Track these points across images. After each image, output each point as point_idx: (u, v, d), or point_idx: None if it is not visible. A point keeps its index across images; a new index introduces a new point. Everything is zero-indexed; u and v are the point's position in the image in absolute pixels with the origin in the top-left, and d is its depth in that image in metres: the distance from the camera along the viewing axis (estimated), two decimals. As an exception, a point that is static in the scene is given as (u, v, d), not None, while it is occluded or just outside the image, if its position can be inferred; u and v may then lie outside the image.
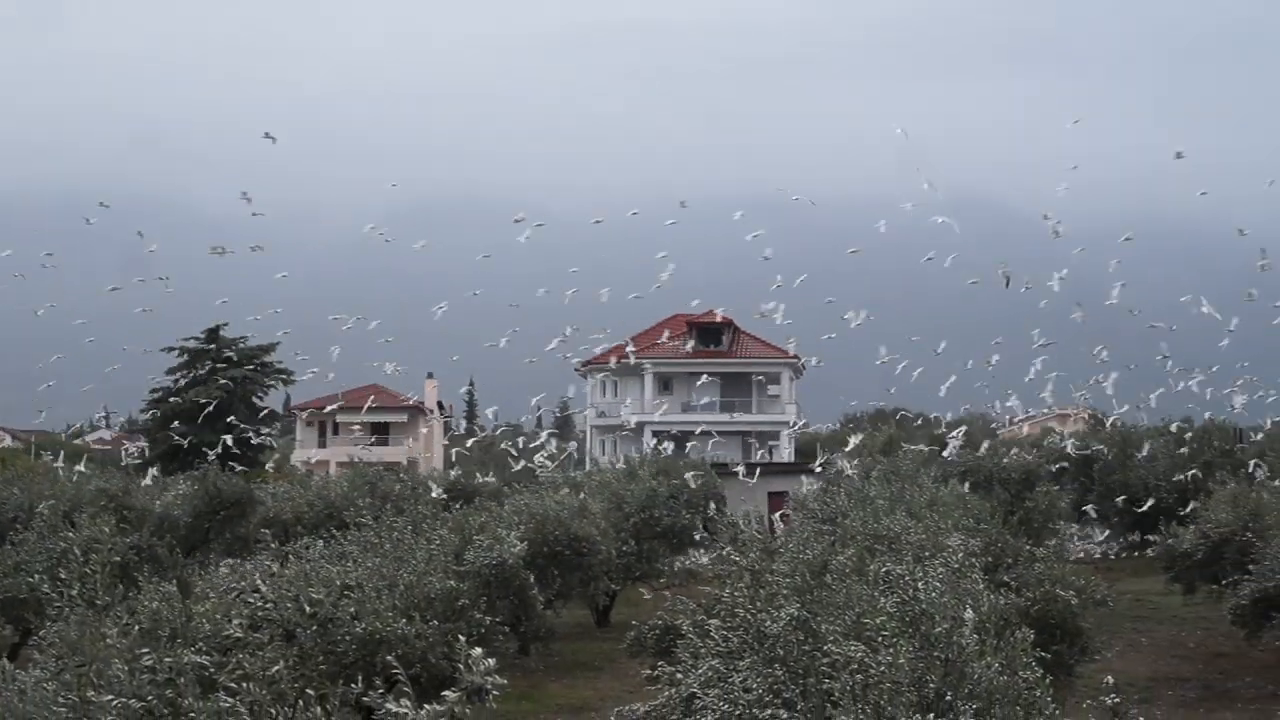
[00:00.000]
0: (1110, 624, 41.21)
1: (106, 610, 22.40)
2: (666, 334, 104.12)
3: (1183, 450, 64.76)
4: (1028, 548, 35.75)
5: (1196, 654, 44.34)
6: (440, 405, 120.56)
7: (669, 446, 76.22)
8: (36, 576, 33.33)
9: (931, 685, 16.24)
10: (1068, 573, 33.75)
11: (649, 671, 22.02)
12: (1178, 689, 38.96)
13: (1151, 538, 59.64)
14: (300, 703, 16.43)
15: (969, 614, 18.09)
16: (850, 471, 57.37)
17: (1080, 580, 33.18)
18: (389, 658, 22.80)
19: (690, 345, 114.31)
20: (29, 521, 44.95)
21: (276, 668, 20.98)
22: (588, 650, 46.07)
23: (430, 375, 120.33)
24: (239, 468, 63.67)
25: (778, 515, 59.94)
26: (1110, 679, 24.58)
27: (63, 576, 30.79)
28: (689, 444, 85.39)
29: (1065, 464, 70.14)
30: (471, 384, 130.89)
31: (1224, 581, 40.58)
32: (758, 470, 72.43)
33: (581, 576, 45.42)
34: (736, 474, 74.24)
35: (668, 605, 30.70)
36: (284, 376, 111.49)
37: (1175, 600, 49.70)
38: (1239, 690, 38.73)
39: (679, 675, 19.07)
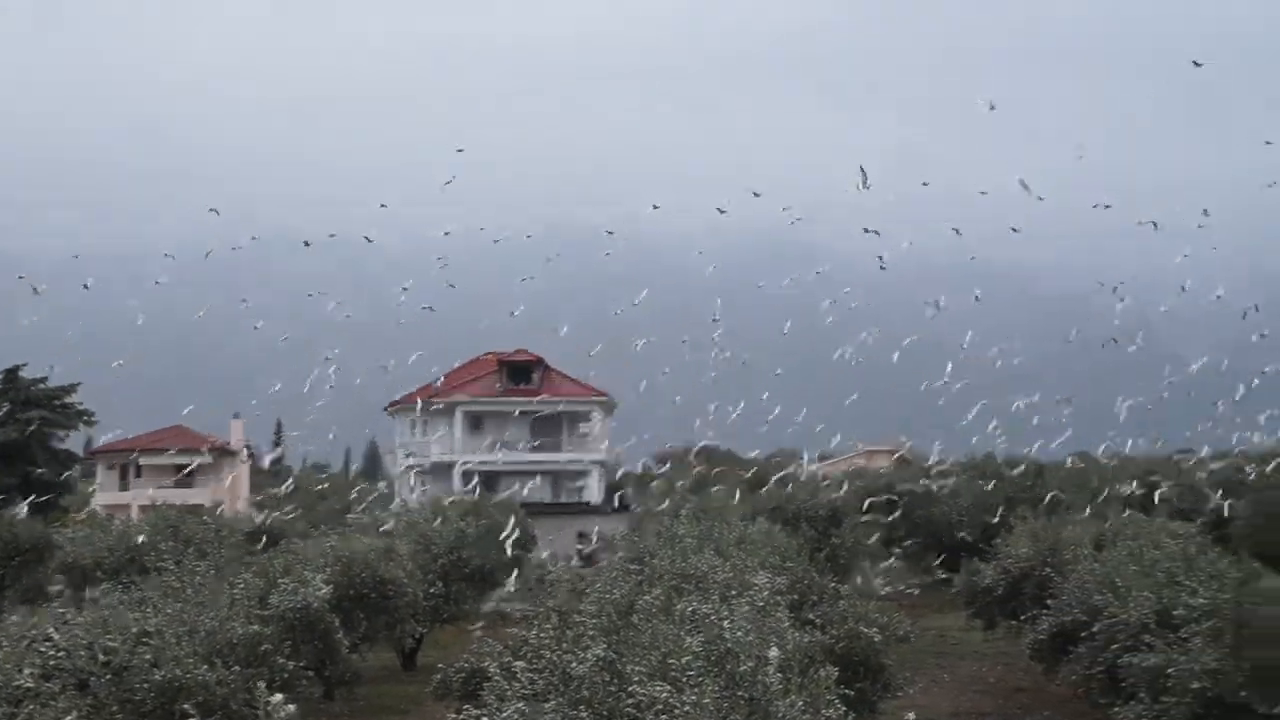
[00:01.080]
0: (913, 660, 41.59)
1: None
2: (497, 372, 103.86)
3: (982, 480, 65.67)
4: (833, 585, 36.00)
5: (997, 689, 44.90)
6: (247, 447, 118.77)
7: (478, 486, 75.84)
8: None
9: (736, 725, 16.22)
10: (872, 610, 34.02)
11: (454, 715, 21.74)
12: (979, 723, 39.44)
13: (951, 576, 60.32)
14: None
15: (774, 652, 18.12)
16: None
17: (884, 617, 33.48)
18: (187, 706, 22.38)
19: (500, 385, 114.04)
20: None
21: (70, 718, 20.46)
22: (393, 694, 45.56)
23: (237, 415, 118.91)
24: (34, 513, 62.25)
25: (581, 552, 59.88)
26: (912, 715, 24.83)
27: None
28: (499, 483, 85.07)
29: (874, 500, 70.87)
30: (279, 425, 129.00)
31: (1023, 617, 41.11)
32: (567, 509, 72.43)
33: (388, 619, 44.93)
34: (547, 513, 74.24)
35: (474, 647, 30.47)
36: (85, 418, 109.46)
37: (976, 636, 50.36)
38: (1038, 724, 39.24)
39: (484, 719, 18.86)
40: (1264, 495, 59.86)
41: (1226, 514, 59.63)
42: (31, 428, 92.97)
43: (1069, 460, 78.60)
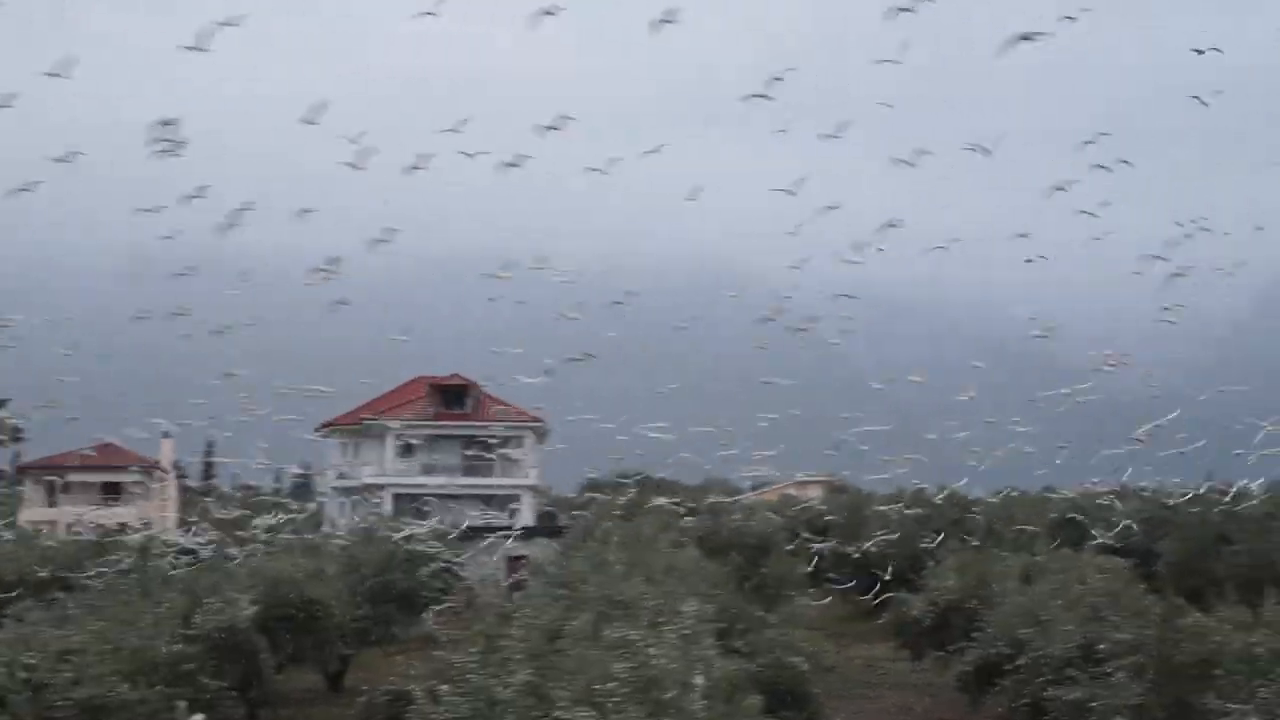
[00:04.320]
0: (840, 689, 41.67)
1: None
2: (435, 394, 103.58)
3: (912, 511, 65.89)
4: (760, 614, 36.01)
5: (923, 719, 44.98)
6: (176, 465, 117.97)
7: (410, 509, 75.59)
8: None
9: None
10: (799, 638, 34.04)
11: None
12: (904, 755, 39.50)
13: (880, 606, 60.42)
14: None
15: (699, 680, 18.11)
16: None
17: (811, 646, 33.50)
18: (108, 724, 22.19)
19: (433, 408, 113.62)
20: None
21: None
22: (318, 716, 45.32)
23: (166, 434, 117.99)
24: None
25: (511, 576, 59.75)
26: (838, 745, 24.82)
27: None
28: (429, 507, 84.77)
29: (805, 530, 71.04)
30: (210, 445, 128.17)
31: (950, 648, 41.18)
32: (498, 534, 72.23)
33: (314, 640, 44.61)
34: (477, 537, 73.94)
35: (401, 670, 30.33)
36: (14, 433, 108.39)
37: (904, 666, 50.41)
38: (963, 756, 39.34)
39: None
40: (1188, 533, 60.35)
41: (1153, 550, 60.11)
42: None
43: (999, 494, 79.02)
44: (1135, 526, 63.24)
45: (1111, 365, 56.40)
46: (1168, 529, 61.69)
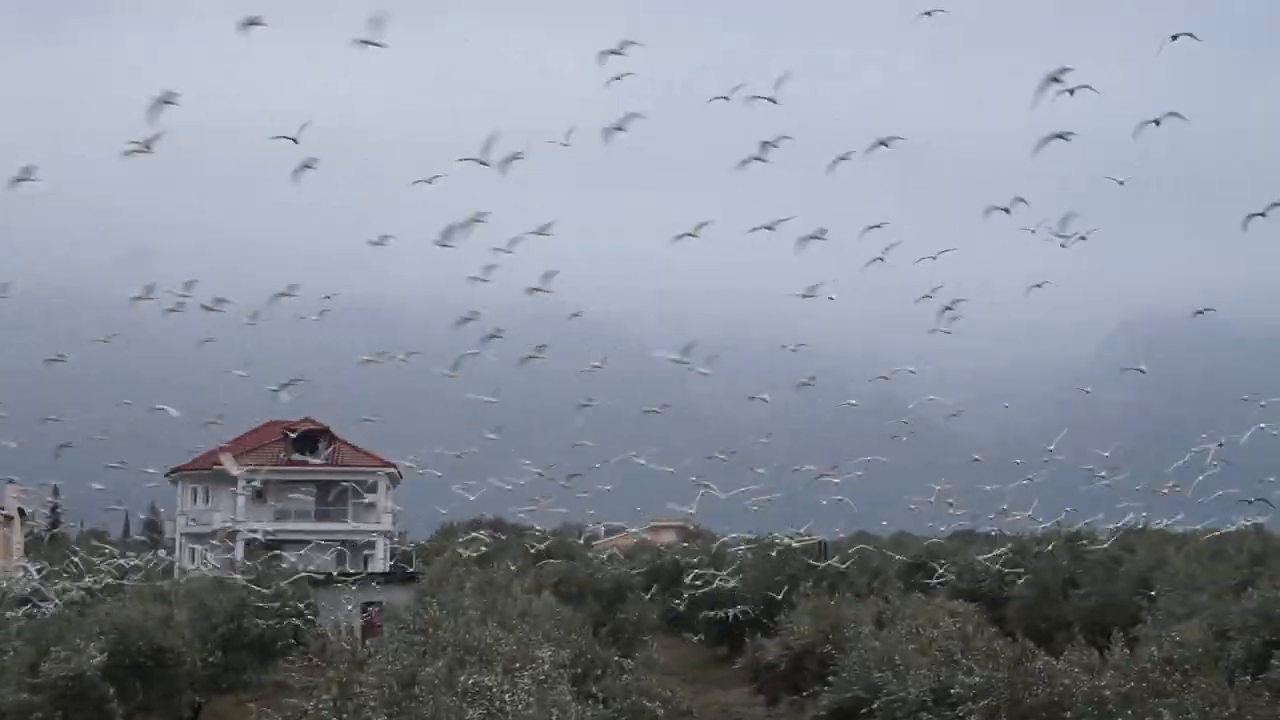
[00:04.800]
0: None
1: None
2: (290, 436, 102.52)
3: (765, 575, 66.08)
4: (617, 659, 35.94)
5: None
6: (21, 511, 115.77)
7: (260, 555, 74.75)
8: None
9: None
10: (655, 684, 33.99)
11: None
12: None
13: (734, 651, 60.55)
14: None
15: (555, 725, 18.05)
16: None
17: (667, 691, 33.44)
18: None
19: (285, 453, 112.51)
20: None
21: None
22: (169, 765, 44.60)
23: (11, 481, 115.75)
24: None
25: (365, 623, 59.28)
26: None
27: None
28: (281, 552, 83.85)
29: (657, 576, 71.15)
30: (56, 491, 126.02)
31: (805, 693, 41.34)
32: (351, 579, 71.73)
33: (165, 688, 43.92)
34: (330, 583, 73.30)
35: (253, 718, 29.93)
36: None
37: (759, 711, 50.53)
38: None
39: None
40: (1039, 578, 61.07)
41: (1004, 594, 60.76)
42: None
43: (852, 539, 79.62)
44: (988, 572, 64.06)
45: (884, 378, 57.37)
46: (1019, 573, 62.33)
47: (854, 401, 64.69)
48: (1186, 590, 45.69)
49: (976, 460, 68.62)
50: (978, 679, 29.32)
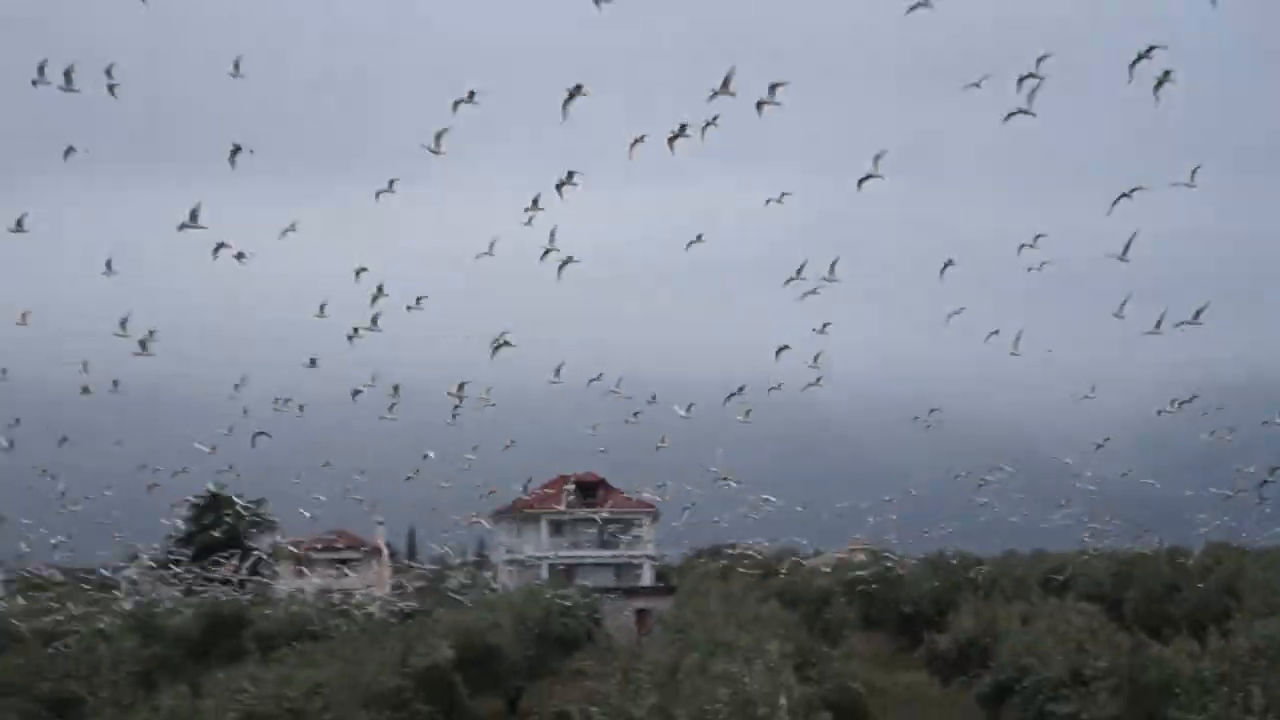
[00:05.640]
0: (888, 706, 41.02)
1: (131, 708, 21.70)
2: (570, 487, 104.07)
3: (935, 584, 65.17)
4: (825, 650, 35.67)
5: (953, 731, 44.15)
6: (388, 545, 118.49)
7: (561, 575, 75.61)
8: (77, 683, 32.35)
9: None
10: (855, 668, 33.69)
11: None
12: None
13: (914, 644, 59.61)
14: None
15: (783, 700, 18.00)
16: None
17: (865, 674, 33.13)
18: (349, 741, 22.30)
19: (573, 498, 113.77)
20: (69, 637, 43.87)
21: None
22: (501, 732, 45.09)
23: (380, 523, 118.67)
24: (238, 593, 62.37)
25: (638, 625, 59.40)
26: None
27: (95, 682, 29.92)
28: (575, 573, 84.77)
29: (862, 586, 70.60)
30: (412, 530, 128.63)
31: (970, 674, 40.52)
32: (625, 592, 72.07)
33: (495, 676, 44.44)
34: (610, 595, 73.72)
35: (560, 696, 30.28)
36: (271, 524, 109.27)
37: (935, 690, 49.57)
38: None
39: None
40: (1146, 586, 59.33)
41: (1120, 598, 59.03)
42: (220, 530, 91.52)
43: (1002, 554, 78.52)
44: (1107, 580, 62.77)
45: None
46: (1130, 581, 60.70)
47: (1008, 467, 63.60)
48: (1265, 593, 43.94)
49: (1092, 491, 66.83)
50: (1103, 663, 28.53)
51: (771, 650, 25.73)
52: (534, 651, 50.53)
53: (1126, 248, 32.67)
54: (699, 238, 36.84)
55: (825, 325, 40.58)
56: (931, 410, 54.86)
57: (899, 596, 67.56)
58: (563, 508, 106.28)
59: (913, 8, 26.73)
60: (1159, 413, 50.47)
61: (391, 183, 33.07)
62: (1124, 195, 30.70)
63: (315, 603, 62.01)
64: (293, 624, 52.26)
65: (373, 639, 36.83)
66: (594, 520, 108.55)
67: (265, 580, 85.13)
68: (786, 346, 41.48)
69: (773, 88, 28.31)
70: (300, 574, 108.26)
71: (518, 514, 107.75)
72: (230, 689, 24.28)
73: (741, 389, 46.14)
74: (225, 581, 69.40)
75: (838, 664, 33.21)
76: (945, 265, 36.45)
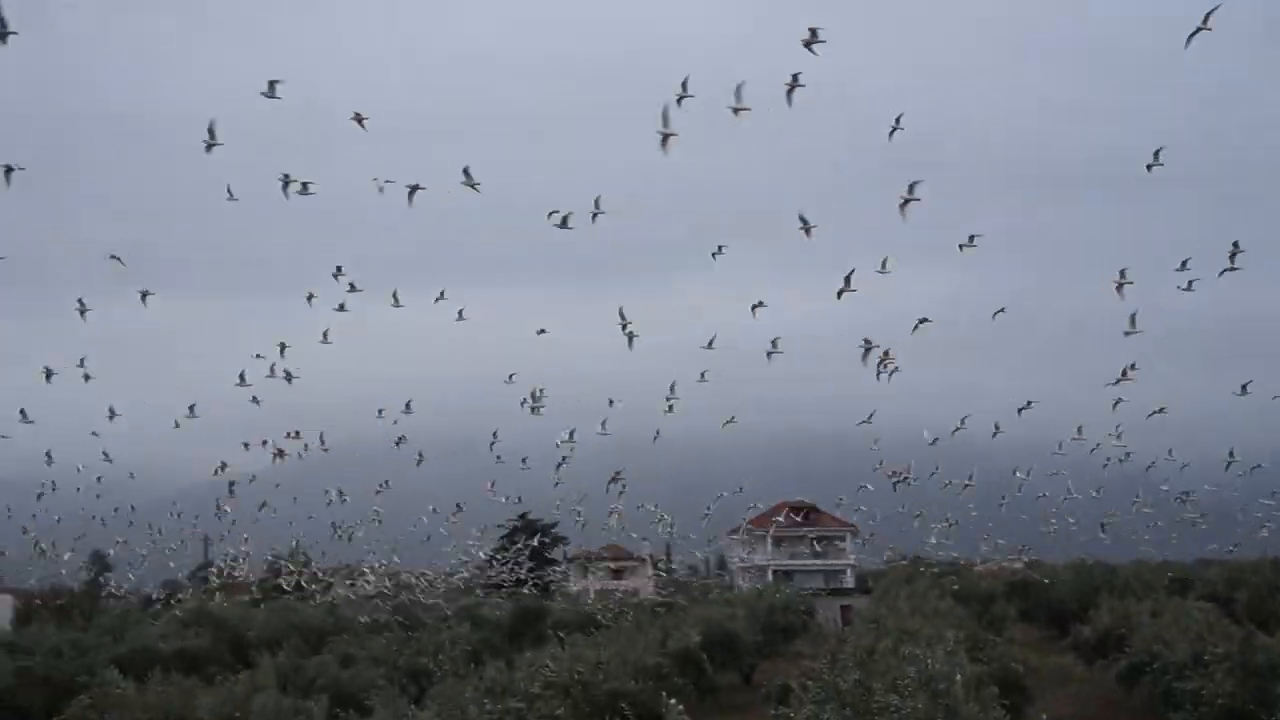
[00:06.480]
0: (1043, 683, 38.96)
1: (465, 678, 22.14)
2: (782, 514, 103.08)
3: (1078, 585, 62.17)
4: (992, 637, 34.23)
5: (1095, 702, 41.62)
6: (651, 556, 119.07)
7: (783, 579, 74.61)
8: (426, 658, 33.34)
9: (938, 721, 15.46)
10: (1016, 652, 32.23)
11: (773, 712, 21.13)
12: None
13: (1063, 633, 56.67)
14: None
15: (959, 677, 17.29)
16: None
17: (1024, 657, 31.61)
18: (624, 705, 22.24)
19: (791, 519, 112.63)
20: (422, 625, 45.44)
21: (559, 710, 20.54)
22: (737, 699, 44.37)
23: (645, 540, 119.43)
24: (540, 592, 63.38)
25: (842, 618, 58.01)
26: (1045, 716, 23.37)
27: (440, 658, 30.69)
28: (793, 578, 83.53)
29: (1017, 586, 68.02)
30: (669, 544, 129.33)
31: (1110, 658, 38.36)
32: (832, 593, 70.60)
33: (734, 656, 43.90)
34: (820, 595, 72.31)
35: (784, 671, 29.70)
36: (563, 540, 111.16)
37: (1081, 669, 46.96)
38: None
39: (791, 715, 18.32)
40: (1254, 588, 55.38)
41: (1232, 598, 55.17)
42: (530, 545, 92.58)
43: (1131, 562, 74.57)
44: (1220, 583, 59.02)
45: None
46: (1242, 583, 56.77)
47: (1143, 501, 60.76)
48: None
49: (1204, 517, 63.02)
50: (1220, 649, 26.62)
51: (949, 637, 24.82)
52: (762, 638, 49.79)
53: None
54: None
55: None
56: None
57: (1049, 596, 64.71)
58: (783, 523, 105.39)
59: None
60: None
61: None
62: None
63: (597, 599, 62.46)
64: (581, 615, 52.82)
65: (639, 627, 36.81)
66: (806, 537, 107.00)
67: (560, 583, 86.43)
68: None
69: (911, 186, 27.41)
70: (585, 577, 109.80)
71: (749, 531, 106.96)
72: (535, 664, 24.60)
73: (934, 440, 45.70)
74: (528, 583, 70.57)
75: (1002, 648, 31.74)
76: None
